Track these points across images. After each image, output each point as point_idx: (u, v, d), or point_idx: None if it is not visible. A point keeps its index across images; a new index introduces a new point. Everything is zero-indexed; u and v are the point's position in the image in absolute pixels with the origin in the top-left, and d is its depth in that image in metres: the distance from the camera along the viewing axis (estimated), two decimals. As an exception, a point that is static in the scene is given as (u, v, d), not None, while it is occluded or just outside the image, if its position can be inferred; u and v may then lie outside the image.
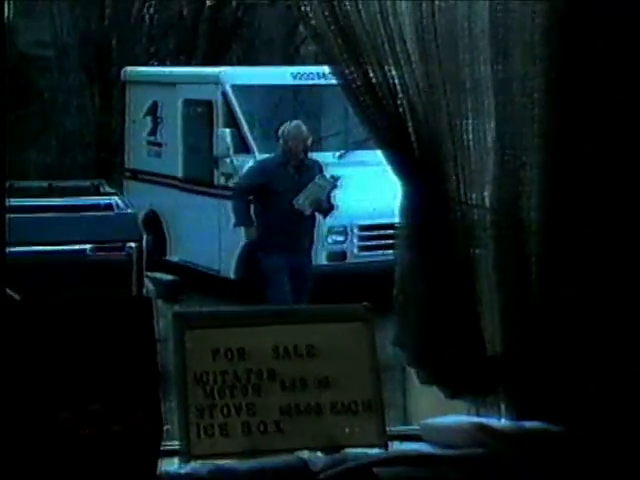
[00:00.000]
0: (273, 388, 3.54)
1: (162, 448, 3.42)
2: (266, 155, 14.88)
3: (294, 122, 13.21)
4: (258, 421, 3.52)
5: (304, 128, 13.08)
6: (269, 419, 3.53)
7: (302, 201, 12.50)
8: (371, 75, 3.54)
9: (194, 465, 3.44)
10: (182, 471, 3.42)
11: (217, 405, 3.50)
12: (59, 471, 3.22)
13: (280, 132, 13.17)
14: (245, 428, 3.51)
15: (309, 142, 13.07)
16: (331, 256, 13.90)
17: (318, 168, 13.05)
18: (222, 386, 3.51)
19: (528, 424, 3.61)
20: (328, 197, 12.82)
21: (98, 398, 3.33)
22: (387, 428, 3.63)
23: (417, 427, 3.73)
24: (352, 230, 13.96)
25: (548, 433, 3.58)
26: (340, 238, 13.99)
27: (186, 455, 3.46)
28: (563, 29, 3.56)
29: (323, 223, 13.86)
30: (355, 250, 14.08)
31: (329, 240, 13.97)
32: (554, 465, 3.49)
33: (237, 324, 3.64)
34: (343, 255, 13.94)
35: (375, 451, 3.52)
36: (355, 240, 14.00)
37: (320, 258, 13.85)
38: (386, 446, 3.56)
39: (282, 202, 12.53)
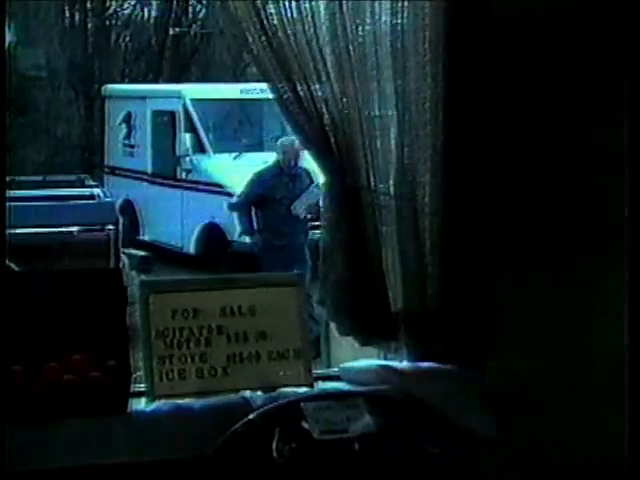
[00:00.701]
0: (221, 340, 3.54)
1: (131, 390, 3.42)
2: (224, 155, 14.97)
3: (290, 138, 12.93)
4: (209, 367, 3.51)
5: (297, 142, 12.87)
6: (218, 365, 3.52)
7: (299, 207, 12.38)
8: (299, 90, 3.52)
9: (157, 404, 3.42)
10: (147, 409, 3.41)
11: (175, 354, 3.48)
12: (47, 408, 3.21)
13: (278, 146, 12.94)
14: (198, 373, 3.50)
15: (301, 153, 12.84)
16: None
17: (307, 175, 12.85)
18: (179, 339, 3.49)
19: (423, 365, 3.63)
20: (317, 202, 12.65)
21: (79, 350, 3.32)
22: (313, 371, 3.64)
23: (337, 370, 3.73)
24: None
25: (439, 371, 3.60)
26: (278, 220, 13.95)
27: (151, 395, 3.44)
28: (448, 52, 3.58)
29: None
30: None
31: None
32: (443, 396, 3.51)
33: (192, 289, 3.62)
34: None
35: (303, 390, 3.52)
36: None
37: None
38: (312, 385, 3.57)
39: (280, 208, 12.33)
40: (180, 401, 3.44)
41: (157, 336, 3.48)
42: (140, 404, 3.43)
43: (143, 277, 4.51)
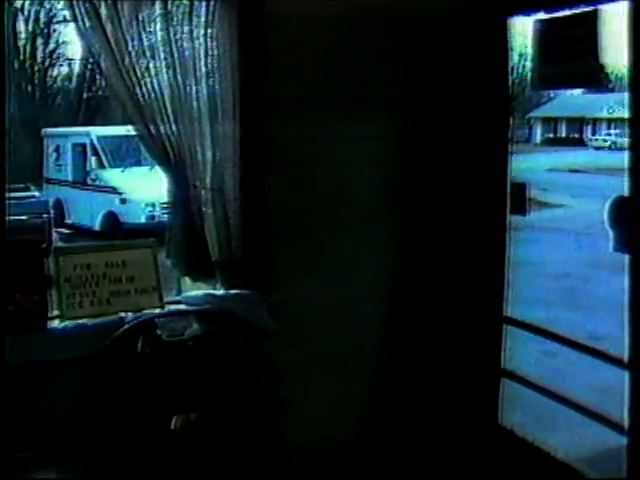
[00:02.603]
0: (105, 283, 3.41)
1: (49, 315, 3.29)
2: (116, 170, 14.67)
3: None
4: (98, 299, 3.38)
5: None
6: (103, 298, 3.40)
7: None
8: (151, 129, 3.40)
9: (66, 323, 3.29)
10: (60, 326, 3.28)
11: (77, 292, 3.35)
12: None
13: None
14: (92, 303, 3.37)
15: None
16: (147, 218, 13.61)
17: None
18: (79, 283, 3.36)
19: (232, 291, 3.56)
20: None
21: (16, 291, 3.16)
22: (165, 299, 3.55)
23: (179, 297, 3.62)
24: (156, 205, 13.61)
25: (242, 295, 3.54)
26: (151, 209, 13.66)
27: (62, 318, 3.31)
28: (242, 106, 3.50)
29: (143, 202, 13.62)
30: (158, 214, 13.81)
31: (146, 210, 13.67)
32: (245, 309, 3.46)
33: (87, 251, 3.48)
34: (153, 217, 13.59)
35: (157, 310, 3.43)
36: (158, 209, 13.71)
37: (141, 219, 13.63)
38: (163, 307, 3.47)
39: None
40: (80, 321, 3.31)
41: (65, 281, 3.35)
42: (55, 323, 3.31)
43: (58, 245, 4.33)
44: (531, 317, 3.81)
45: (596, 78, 3.12)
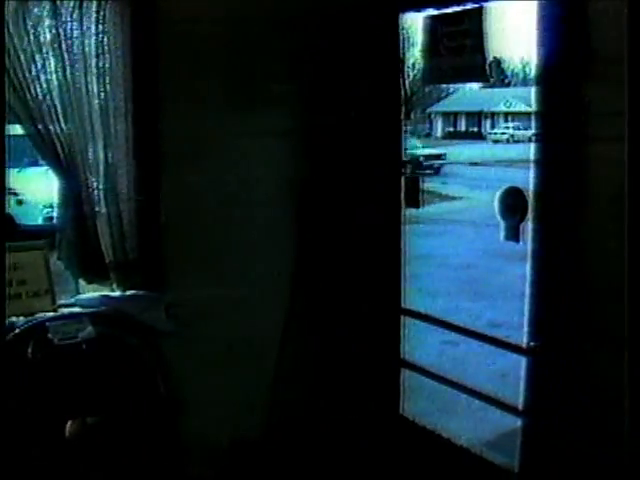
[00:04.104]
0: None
1: None
2: (11, 170, 14.26)
3: None
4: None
5: None
6: (0, 303, 3.31)
7: None
8: (39, 128, 3.33)
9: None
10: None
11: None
12: None
13: None
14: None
15: None
16: (45, 220, 13.24)
17: None
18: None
19: (127, 292, 3.51)
20: None
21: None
22: (58, 302, 3.45)
23: (73, 300, 3.54)
24: (54, 206, 13.31)
25: (138, 295, 3.50)
26: (49, 210, 13.26)
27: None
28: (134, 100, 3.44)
29: (41, 203, 13.25)
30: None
31: (44, 212, 13.29)
32: (141, 310, 3.42)
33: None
34: (51, 219, 13.28)
35: (50, 314, 3.33)
36: (57, 210, 13.41)
37: (39, 221, 13.26)
38: (56, 311, 3.38)
39: None
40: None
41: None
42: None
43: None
44: (434, 307, 3.88)
45: (482, 73, 3.20)
